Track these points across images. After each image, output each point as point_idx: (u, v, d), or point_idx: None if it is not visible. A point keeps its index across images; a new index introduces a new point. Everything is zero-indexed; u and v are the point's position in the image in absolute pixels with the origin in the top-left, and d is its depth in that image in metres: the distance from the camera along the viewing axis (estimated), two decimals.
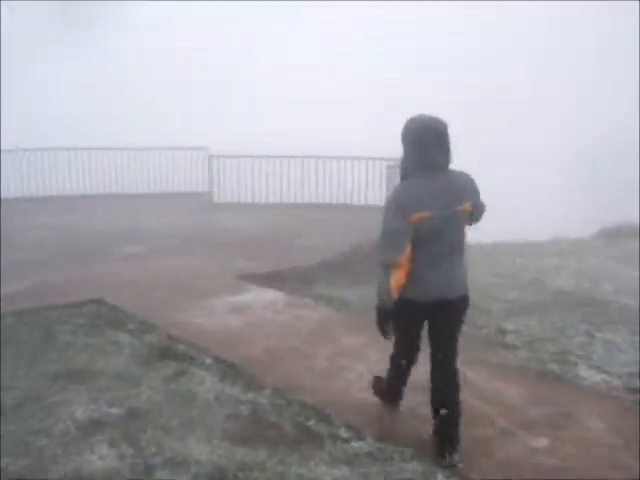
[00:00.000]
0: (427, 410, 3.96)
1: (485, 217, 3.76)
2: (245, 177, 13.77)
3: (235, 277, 7.76)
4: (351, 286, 7.71)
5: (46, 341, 5.44)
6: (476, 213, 3.61)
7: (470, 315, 6.78)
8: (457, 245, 3.54)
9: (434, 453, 3.55)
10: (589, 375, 4.74)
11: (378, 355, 4.64)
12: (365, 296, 6.50)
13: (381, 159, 12.44)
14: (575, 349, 5.43)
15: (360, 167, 13.00)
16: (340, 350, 5.23)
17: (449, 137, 3.44)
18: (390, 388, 4.05)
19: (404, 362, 3.82)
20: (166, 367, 4.85)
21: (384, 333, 3.50)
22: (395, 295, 3.39)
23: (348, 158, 13.03)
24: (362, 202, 12.91)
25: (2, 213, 11.09)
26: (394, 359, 3.90)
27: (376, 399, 4.18)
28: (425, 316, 3.59)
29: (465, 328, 6.24)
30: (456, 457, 3.49)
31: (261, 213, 12.87)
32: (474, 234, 12.50)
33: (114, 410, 4.09)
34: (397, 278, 3.37)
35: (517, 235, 13.16)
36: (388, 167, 12.00)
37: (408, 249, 3.34)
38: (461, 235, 3.55)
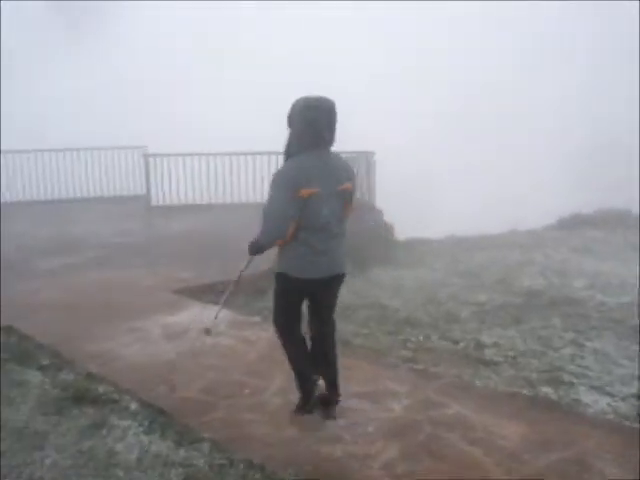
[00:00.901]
0: (404, 467, 3.17)
1: (446, 209, 3.16)
2: (185, 177, 12.74)
3: (172, 291, 6.84)
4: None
5: None
6: (354, 195, 3.62)
7: (442, 325, 6.08)
8: (342, 223, 3.54)
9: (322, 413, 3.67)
10: (591, 400, 4.00)
11: (341, 386, 3.84)
12: None
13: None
14: (566, 364, 4.71)
15: None
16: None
17: (336, 117, 3.41)
18: (298, 370, 3.78)
19: (291, 328, 3.71)
20: (81, 416, 3.92)
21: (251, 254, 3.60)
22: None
23: None
24: None
25: None
26: (278, 325, 3.76)
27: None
28: (310, 292, 3.60)
29: (439, 342, 5.53)
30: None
31: (203, 215, 11.94)
32: (429, 229, 11.76)
33: None
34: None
35: (474, 227, 12.60)
36: None
37: (292, 227, 3.34)
38: (344, 214, 3.55)
